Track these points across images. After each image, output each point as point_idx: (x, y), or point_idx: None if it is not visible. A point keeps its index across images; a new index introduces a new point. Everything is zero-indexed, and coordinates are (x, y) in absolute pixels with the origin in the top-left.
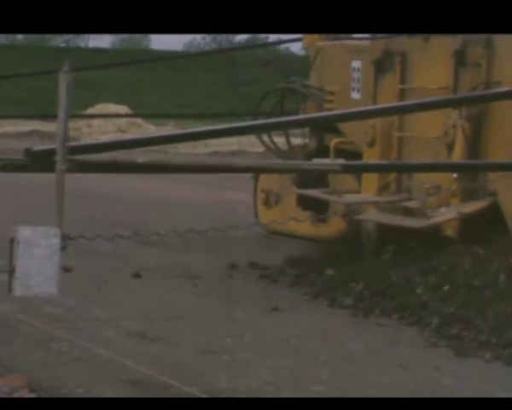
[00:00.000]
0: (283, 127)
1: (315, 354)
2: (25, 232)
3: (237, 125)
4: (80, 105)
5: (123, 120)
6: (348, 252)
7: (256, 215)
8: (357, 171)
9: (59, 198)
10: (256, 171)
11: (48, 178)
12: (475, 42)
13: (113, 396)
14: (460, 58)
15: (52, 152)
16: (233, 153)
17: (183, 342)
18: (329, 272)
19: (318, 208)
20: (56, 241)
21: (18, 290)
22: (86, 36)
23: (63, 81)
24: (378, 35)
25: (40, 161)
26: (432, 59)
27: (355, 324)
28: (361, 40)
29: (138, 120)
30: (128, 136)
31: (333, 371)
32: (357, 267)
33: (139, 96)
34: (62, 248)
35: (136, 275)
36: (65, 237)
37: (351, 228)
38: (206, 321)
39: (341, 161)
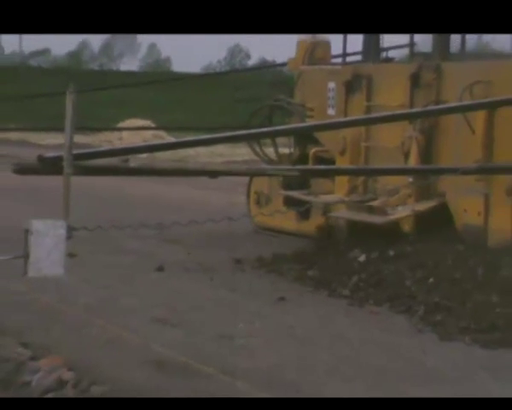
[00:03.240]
0: (265, 136)
1: (316, 339)
2: (36, 224)
3: (224, 134)
4: (112, 120)
5: (148, 133)
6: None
7: (249, 214)
8: (314, 174)
9: (65, 196)
10: (232, 174)
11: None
12: (427, 67)
13: (140, 375)
14: (415, 81)
15: (60, 158)
16: (245, 162)
17: (200, 328)
18: (328, 266)
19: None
20: (63, 231)
21: (31, 272)
22: (118, 60)
23: (69, 100)
24: (348, 60)
25: (50, 166)
26: (392, 81)
27: (351, 312)
28: (334, 65)
29: (162, 133)
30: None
31: (332, 354)
32: (353, 262)
33: (164, 112)
34: (68, 238)
35: (160, 269)
36: (70, 229)
37: (327, 224)
38: (221, 310)
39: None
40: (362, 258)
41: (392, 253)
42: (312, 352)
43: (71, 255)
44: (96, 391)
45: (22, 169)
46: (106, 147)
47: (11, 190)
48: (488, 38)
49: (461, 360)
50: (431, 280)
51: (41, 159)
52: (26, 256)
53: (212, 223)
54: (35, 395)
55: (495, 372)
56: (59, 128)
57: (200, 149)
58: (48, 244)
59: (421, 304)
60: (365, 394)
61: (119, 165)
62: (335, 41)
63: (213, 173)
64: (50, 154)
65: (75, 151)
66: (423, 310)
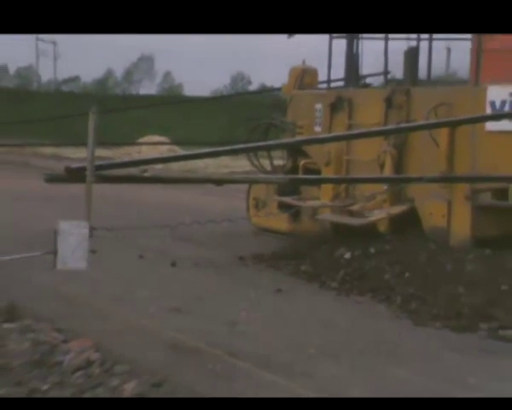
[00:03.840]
0: (262, 149)
1: (309, 325)
2: (63, 225)
3: (225, 148)
4: (133, 137)
5: (164, 148)
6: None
7: (248, 217)
8: (303, 183)
9: (88, 201)
10: (234, 182)
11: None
12: (399, 92)
13: (156, 356)
14: (389, 103)
15: (84, 169)
16: (245, 172)
17: (209, 316)
18: (319, 262)
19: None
20: (86, 231)
21: (59, 266)
22: (137, 85)
23: (91, 120)
24: (332, 85)
25: (75, 175)
26: (369, 103)
27: (339, 301)
28: (321, 89)
29: (175, 148)
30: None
31: (323, 337)
32: (340, 259)
33: (177, 129)
34: (90, 236)
35: (173, 264)
36: (92, 229)
37: (315, 225)
38: (226, 299)
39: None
40: (347, 255)
41: (373, 251)
42: (305, 336)
43: (93, 252)
44: (119, 370)
45: (52, 178)
46: (124, 159)
47: (44, 197)
48: (456, 66)
49: (432, 342)
50: (407, 274)
51: (67, 169)
52: (54, 252)
53: (216, 224)
54: (67, 372)
55: (461, 353)
56: (86, 144)
57: (209, 161)
58: (73, 242)
59: (399, 295)
60: (350, 371)
61: (135, 174)
62: (321, 69)
63: (218, 181)
64: (75, 165)
65: (97, 163)
66: (400, 300)
